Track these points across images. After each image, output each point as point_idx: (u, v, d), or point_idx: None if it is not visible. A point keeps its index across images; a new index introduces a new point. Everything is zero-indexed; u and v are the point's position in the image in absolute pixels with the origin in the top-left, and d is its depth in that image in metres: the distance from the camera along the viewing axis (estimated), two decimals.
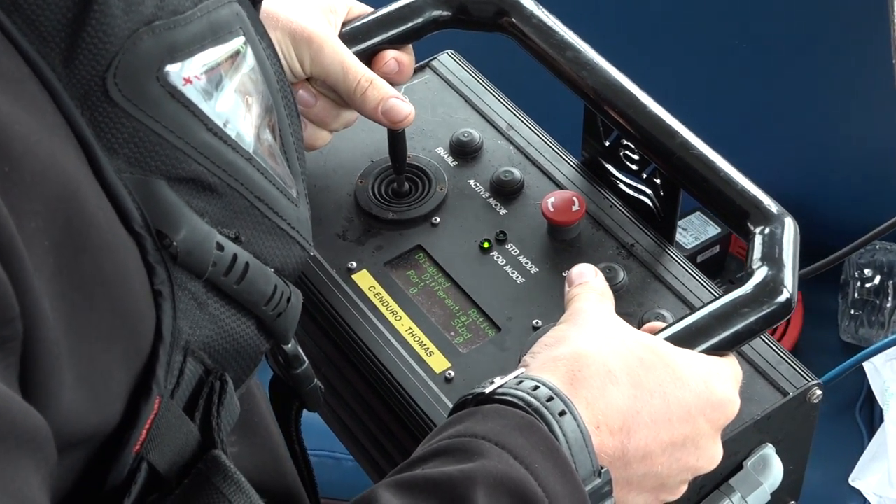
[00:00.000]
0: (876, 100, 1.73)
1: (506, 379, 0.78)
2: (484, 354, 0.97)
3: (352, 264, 1.03)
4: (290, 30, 0.99)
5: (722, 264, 1.78)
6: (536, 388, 0.77)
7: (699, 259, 1.74)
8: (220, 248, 0.71)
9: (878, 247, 1.88)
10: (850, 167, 1.85)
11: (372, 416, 1.01)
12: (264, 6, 1.00)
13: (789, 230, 0.91)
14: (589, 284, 0.87)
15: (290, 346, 0.85)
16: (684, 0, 1.78)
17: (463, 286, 1.01)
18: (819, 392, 0.95)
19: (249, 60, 0.72)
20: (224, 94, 0.70)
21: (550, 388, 0.76)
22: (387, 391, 0.96)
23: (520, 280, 1.01)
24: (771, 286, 0.87)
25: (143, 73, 0.65)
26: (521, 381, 0.78)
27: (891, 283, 1.84)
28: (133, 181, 0.66)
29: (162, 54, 0.66)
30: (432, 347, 0.98)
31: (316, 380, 0.89)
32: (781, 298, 0.87)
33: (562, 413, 0.76)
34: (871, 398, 1.76)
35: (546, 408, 0.75)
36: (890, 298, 1.85)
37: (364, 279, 1.02)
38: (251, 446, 0.85)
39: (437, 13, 1.07)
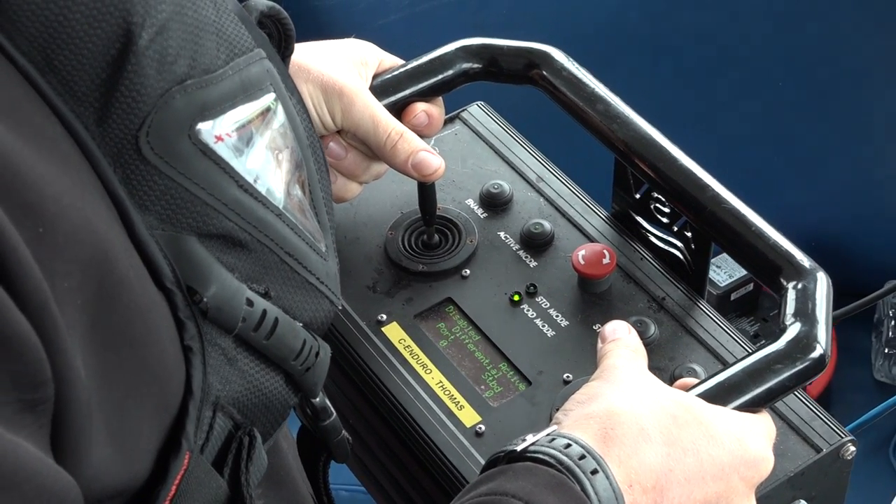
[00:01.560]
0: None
1: (538, 436, 0.78)
2: (514, 408, 0.96)
3: (381, 317, 1.03)
4: (322, 82, 1.00)
5: (755, 302, 1.77)
6: (568, 445, 0.76)
7: (733, 297, 1.74)
8: (250, 303, 0.71)
9: None
10: (885, 207, 1.84)
11: (401, 469, 1.00)
12: (295, 58, 1.00)
13: (822, 285, 0.90)
14: (622, 341, 0.87)
15: (318, 398, 0.85)
16: (720, 40, 1.78)
17: (493, 339, 1.01)
18: (853, 448, 0.94)
19: (280, 116, 0.73)
20: (255, 151, 0.70)
21: (582, 446, 0.76)
22: (417, 445, 0.96)
23: (550, 333, 1.01)
24: (804, 342, 0.87)
25: (174, 131, 0.66)
26: (553, 439, 0.77)
27: None
28: (164, 238, 0.67)
29: (194, 113, 0.67)
30: (462, 401, 0.97)
31: (344, 431, 0.89)
32: (815, 355, 0.86)
33: (594, 471, 0.75)
34: None
35: (578, 466, 0.75)
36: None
37: (394, 332, 1.02)
38: (278, 498, 0.85)
39: (467, 66, 1.07)
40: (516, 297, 1.03)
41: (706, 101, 1.73)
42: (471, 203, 1.10)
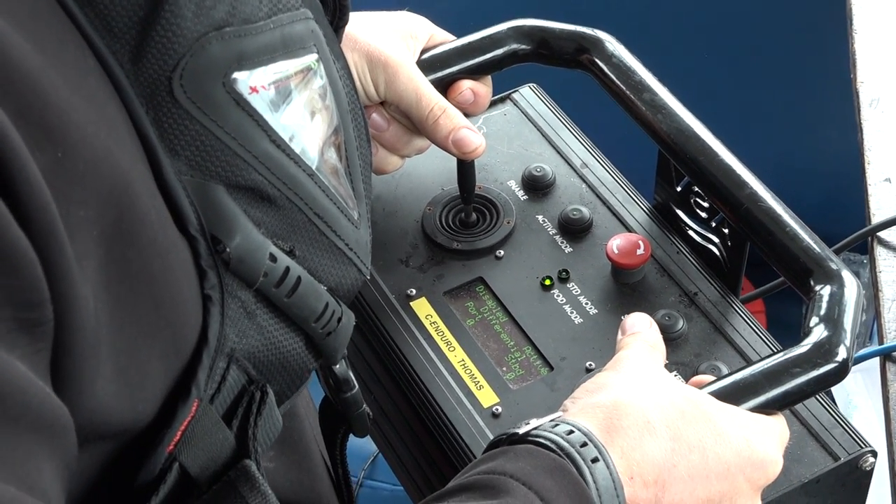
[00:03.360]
0: (836, 114, 1.71)
1: (542, 421, 0.78)
2: (533, 393, 0.96)
3: (411, 291, 1.03)
4: (368, 53, 1.00)
5: None
6: (571, 432, 0.76)
7: None
8: (273, 259, 0.71)
9: (850, 258, 1.88)
10: (816, 180, 1.86)
11: (416, 442, 1.00)
12: None
13: (852, 292, 0.89)
14: (641, 335, 0.86)
15: (340, 368, 0.85)
16: (653, 14, 1.81)
17: (520, 322, 1.00)
18: (872, 459, 0.92)
19: (321, 78, 0.73)
20: (291, 108, 0.70)
21: (585, 434, 0.75)
22: (433, 421, 0.96)
23: (578, 320, 1.00)
24: (826, 348, 0.85)
25: (209, 77, 0.66)
26: (557, 425, 0.77)
27: None
28: (192, 184, 0.67)
29: (230, 61, 0.67)
30: (483, 381, 0.97)
31: (365, 405, 0.89)
32: (836, 361, 0.85)
33: (594, 460, 0.74)
34: None
35: (578, 453, 0.74)
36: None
37: (422, 307, 1.02)
38: (289, 463, 0.85)
39: (517, 46, 1.07)
40: (547, 282, 1.02)
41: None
42: (512, 184, 1.10)
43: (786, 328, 1.82)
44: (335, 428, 0.92)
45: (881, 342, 1.23)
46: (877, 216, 1.34)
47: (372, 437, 1.11)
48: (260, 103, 0.68)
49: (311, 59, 0.72)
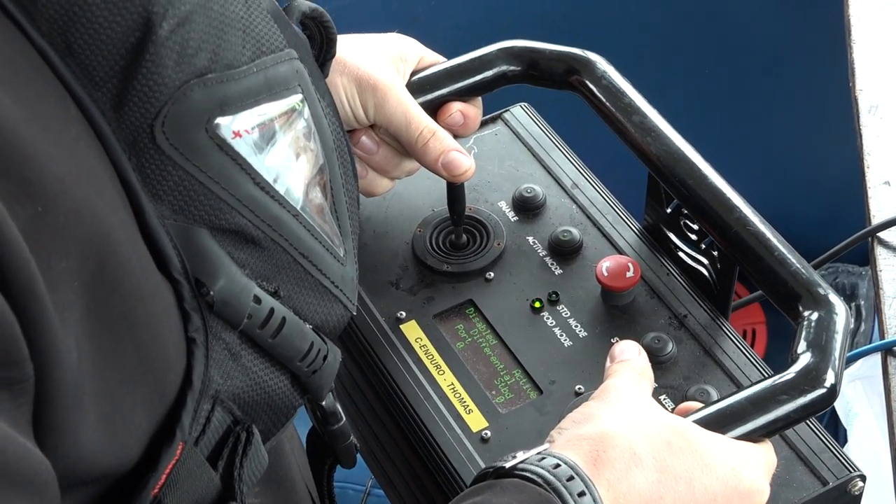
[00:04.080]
0: (834, 123, 1.74)
1: (528, 454, 0.78)
2: (522, 417, 0.96)
3: (401, 314, 1.03)
4: (357, 76, 1.00)
5: None
6: (557, 465, 0.76)
7: None
8: (258, 301, 0.71)
9: (840, 269, 1.90)
10: (812, 189, 1.90)
11: (406, 467, 1.00)
12: None
13: (840, 318, 0.89)
14: (629, 363, 0.86)
15: (328, 402, 0.86)
16: (654, 28, 1.83)
17: (510, 345, 1.00)
18: (861, 484, 0.92)
19: (305, 118, 0.73)
20: (275, 150, 0.70)
21: (571, 467, 0.75)
22: (422, 445, 0.96)
23: (567, 343, 1.00)
24: (813, 374, 0.85)
25: (191, 123, 0.66)
26: (543, 458, 0.77)
27: (853, 305, 1.88)
28: (175, 228, 0.67)
29: (212, 107, 0.67)
30: (472, 405, 0.97)
31: (352, 437, 0.89)
32: (823, 388, 0.85)
33: (581, 494, 0.74)
34: (835, 419, 1.78)
35: (565, 487, 0.74)
36: (853, 320, 1.85)
37: (412, 330, 1.02)
38: (275, 498, 0.86)
39: (506, 67, 1.07)
40: (537, 304, 1.02)
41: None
42: (503, 205, 1.10)
43: (785, 339, 1.84)
44: (323, 460, 0.93)
45: (882, 338, 1.25)
46: (877, 217, 1.38)
47: (365, 461, 1.11)
48: (243, 147, 0.68)
49: (295, 99, 0.72)
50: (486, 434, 0.95)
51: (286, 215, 0.71)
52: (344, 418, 0.88)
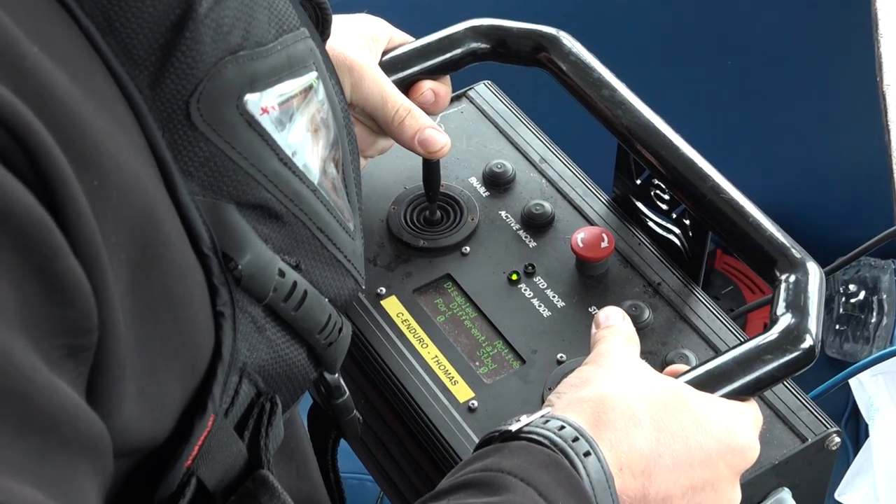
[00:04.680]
0: (861, 118, 1.74)
1: (532, 417, 0.80)
2: (507, 386, 0.98)
3: (381, 290, 1.04)
4: (333, 57, 1.00)
5: (707, 279, 1.78)
6: (562, 427, 0.78)
7: None
8: (282, 274, 0.72)
9: (862, 262, 1.89)
10: (836, 184, 1.88)
11: (395, 441, 1.02)
12: None
13: (815, 279, 0.92)
14: (615, 328, 0.88)
15: (331, 375, 0.87)
16: (676, 20, 1.82)
17: (490, 317, 1.02)
18: (837, 440, 0.96)
19: (320, 95, 0.74)
20: (295, 126, 0.72)
21: (576, 429, 0.78)
22: (410, 418, 0.98)
23: (546, 313, 1.02)
24: (795, 334, 0.88)
25: (224, 100, 0.67)
26: (548, 421, 0.79)
27: (875, 298, 1.87)
28: (205, 204, 0.68)
29: (243, 83, 0.68)
30: (457, 376, 0.99)
31: (355, 411, 0.91)
32: (805, 346, 0.88)
33: (586, 454, 0.77)
34: (856, 413, 1.79)
35: (571, 448, 0.77)
36: (874, 314, 1.87)
37: (393, 305, 1.03)
38: (288, 470, 0.87)
39: (475, 45, 1.09)
40: (514, 277, 1.05)
41: (659, 76, 1.76)
42: (473, 181, 1.11)
43: None
44: (326, 434, 0.94)
45: None
46: None
47: (353, 448, 1.13)
48: (268, 123, 0.70)
49: (311, 77, 0.73)
50: (473, 404, 0.97)
51: (306, 190, 0.73)
52: (347, 392, 0.89)
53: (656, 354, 0.99)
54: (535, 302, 1.03)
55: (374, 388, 1.01)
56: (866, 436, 1.72)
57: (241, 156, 0.68)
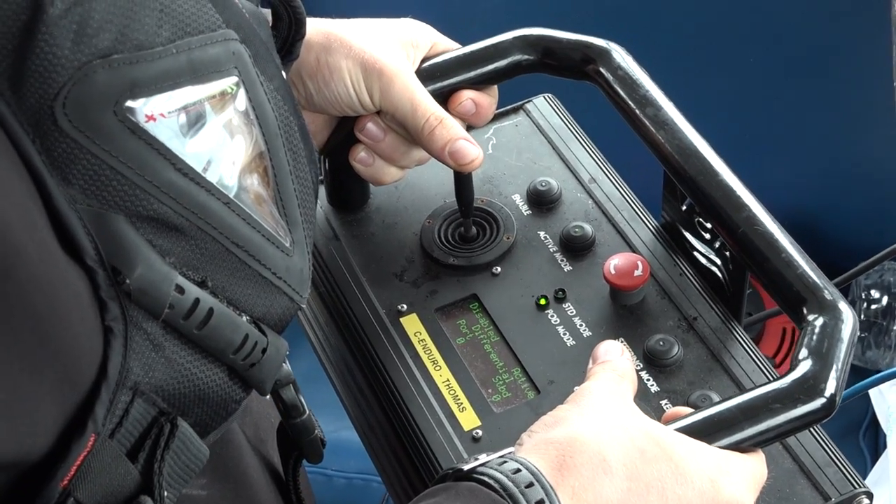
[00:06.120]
0: (885, 123, 1.68)
1: (491, 457, 0.75)
2: (516, 417, 0.93)
3: (402, 306, 1.00)
4: (362, 60, 0.97)
5: None
6: (518, 471, 0.72)
7: None
8: (180, 290, 0.68)
9: (886, 267, 1.83)
10: (859, 188, 1.83)
11: (396, 462, 0.97)
12: (340, 33, 0.98)
13: (847, 325, 0.84)
14: (610, 364, 0.82)
15: (288, 394, 0.84)
16: (695, 19, 1.78)
17: (511, 342, 0.97)
18: (867, 501, 0.87)
19: (240, 102, 0.70)
20: (202, 135, 0.68)
21: (533, 473, 0.72)
22: (410, 442, 0.93)
23: (570, 342, 0.96)
24: (810, 383, 0.81)
25: (96, 105, 0.64)
26: (504, 462, 0.73)
27: None
28: (88, 213, 0.65)
29: (121, 89, 0.64)
30: (466, 403, 0.94)
31: (317, 432, 0.87)
32: (820, 399, 0.80)
33: (539, 501, 0.71)
34: (875, 423, 1.73)
35: (522, 494, 0.71)
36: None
37: (411, 323, 0.99)
38: (223, 490, 0.83)
39: (521, 56, 1.03)
40: (542, 301, 0.99)
41: (681, 76, 1.72)
42: (517, 198, 1.06)
43: None
44: (288, 454, 0.90)
45: None
46: None
47: (369, 454, 1.09)
48: (162, 131, 0.66)
49: (227, 83, 0.69)
50: (477, 433, 0.92)
51: (215, 203, 0.69)
52: (307, 412, 0.85)
53: (680, 394, 0.93)
54: (561, 329, 0.97)
55: (379, 406, 0.97)
56: (884, 446, 1.67)
57: (124, 165, 0.65)
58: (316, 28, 0.96)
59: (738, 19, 1.77)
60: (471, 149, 0.98)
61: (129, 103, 0.64)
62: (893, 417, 1.64)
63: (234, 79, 0.69)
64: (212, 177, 0.68)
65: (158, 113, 0.65)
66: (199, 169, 0.68)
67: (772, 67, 1.77)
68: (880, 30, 1.57)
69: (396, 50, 1.00)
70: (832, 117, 1.79)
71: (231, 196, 0.70)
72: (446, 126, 0.98)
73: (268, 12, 0.81)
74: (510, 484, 0.71)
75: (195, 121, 0.67)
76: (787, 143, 1.83)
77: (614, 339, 0.96)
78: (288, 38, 0.80)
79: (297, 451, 0.90)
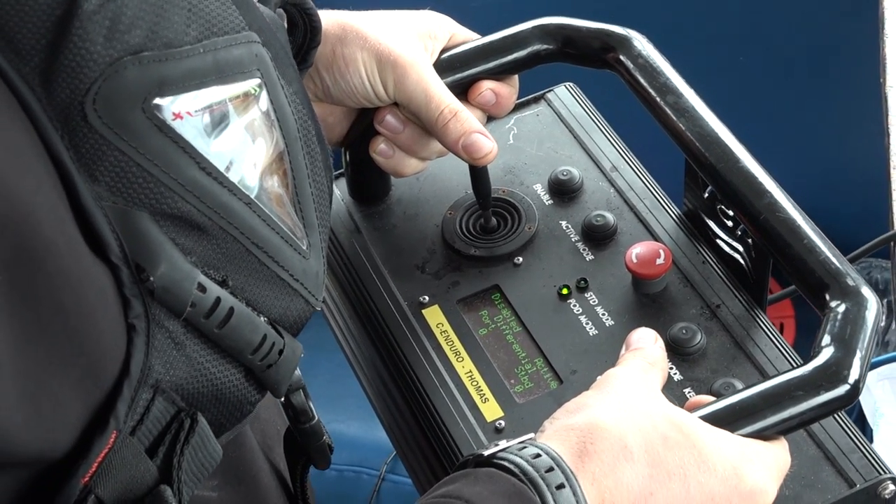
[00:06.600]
0: (864, 119, 1.68)
1: (511, 443, 0.74)
2: (539, 407, 0.92)
3: (424, 298, 1.00)
4: (377, 51, 0.97)
5: None
6: (538, 456, 0.72)
7: None
8: (203, 289, 0.68)
9: (873, 264, 1.86)
10: (839, 185, 1.86)
11: (420, 453, 0.97)
12: (355, 25, 0.97)
13: (871, 312, 0.83)
14: (641, 351, 0.82)
15: (297, 399, 0.84)
16: (683, 20, 1.80)
17: (533, 333, 0.97)
18: (893, 487, 0.87)
19: (263, 104, 0.70)
20: (226, 135, 0.68)
21: (553, 458, 0.72)
22: (433, 433, 0.93)
23: (592, 332, 0.96)
24: (833, 370, 0.80)
25: (126, 102, 0.64)
26: (524, 447, 0.73)
27: (885, 301, 1.81)
28: (114, 210, 0.65)
29: (149, 86, 0.64)
30: (488, 394, 0.94)
31: (325, 437, 0.87)
32: (843, 385, 0.80)
33: (560, 486, 0.71)
34: (861, 418, 1.71)
35: (542, 478, 0.71)
36: (884, 317, 1.80)
37: (434, 315, 0.99)
38: (234, 493, 0.83)
39: (540, 46, 1.03)
40: (565, 291, 0.99)
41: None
42: (538, 188, 1.06)
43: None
44: (296, 459, 0.90)
45: None
46: None
47: (393, 444, 1.08)
48: (188, 129, 0.66)
49: (250, 84, 0.69)
50: (500, 424, 0.92)
51: (237, 203, 0.69)
52: (316, 417, 0.86)
53: (703, 382, 0.92)
54: (584, 319, 0.97)
55: (402, 398, 0.97)
56: (871, 441, 1.64)
57: (150, 162, 0.65)
58: (332, 19, 0.96)
59: (728, 20, 1.78)
60: (485, 142, 0.98)
61: (157, 101, 0.65)
62: (879, 412, 1.64)
63: (258, 80, 0.70)
64: (234, 177, 0.68)
65: (185, 111, 0.65)
66: (222, 168, 0.68)
67: (760, 67, 1.78)
68: (869, 26, 1.57)
69: (413, 41, 1.00)
70: (815, 114, 1.81)
71: (252, 197, 0.70)
72: (460, 119, 0.97)
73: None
74: (530, 468, 0.71)
75: (219, 121, 0.67)
76: (774, 141, 1.83)
77: (636, 328, 0.95)
78: (303, 45, 0.80)
79: (304, 456, 0.90)
